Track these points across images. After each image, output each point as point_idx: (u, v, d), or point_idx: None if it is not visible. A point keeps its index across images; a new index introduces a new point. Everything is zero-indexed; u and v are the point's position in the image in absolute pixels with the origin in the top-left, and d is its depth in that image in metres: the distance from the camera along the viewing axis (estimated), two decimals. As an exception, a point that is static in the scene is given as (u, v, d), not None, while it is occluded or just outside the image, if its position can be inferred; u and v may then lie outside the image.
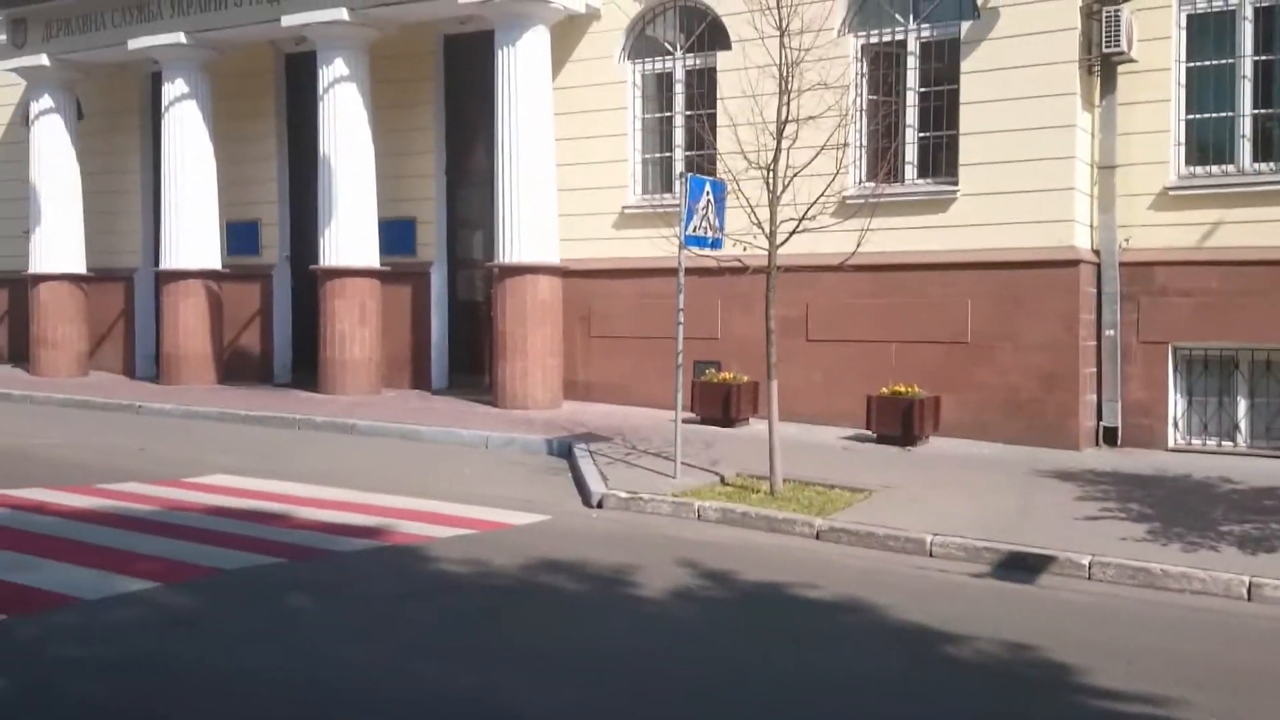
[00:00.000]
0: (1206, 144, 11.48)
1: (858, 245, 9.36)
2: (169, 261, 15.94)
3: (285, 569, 6.99)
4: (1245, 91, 11.19)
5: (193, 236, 15.80)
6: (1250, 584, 6.85)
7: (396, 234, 15.18)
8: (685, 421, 10.41)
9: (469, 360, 15.25)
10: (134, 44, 15.83)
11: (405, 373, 15.31)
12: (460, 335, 15.41)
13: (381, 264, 14.83)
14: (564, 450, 10.91)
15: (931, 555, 7.73)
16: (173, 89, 15.81)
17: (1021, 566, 7.40)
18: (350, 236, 14.52)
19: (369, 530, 8.00)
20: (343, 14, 14.15)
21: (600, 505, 9.04)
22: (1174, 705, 5.10)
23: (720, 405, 12.24)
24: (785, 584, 6.98)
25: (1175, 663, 5.70)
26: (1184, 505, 8.80)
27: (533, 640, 5.81)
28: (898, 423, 11.22)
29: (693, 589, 6.84)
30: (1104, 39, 11.24)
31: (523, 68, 13.43)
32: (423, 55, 15.34)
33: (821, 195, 9.07)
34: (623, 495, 9.04)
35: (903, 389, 11.37)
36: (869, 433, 11.52)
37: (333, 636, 5.79)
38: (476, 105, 14.72)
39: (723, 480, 9.58)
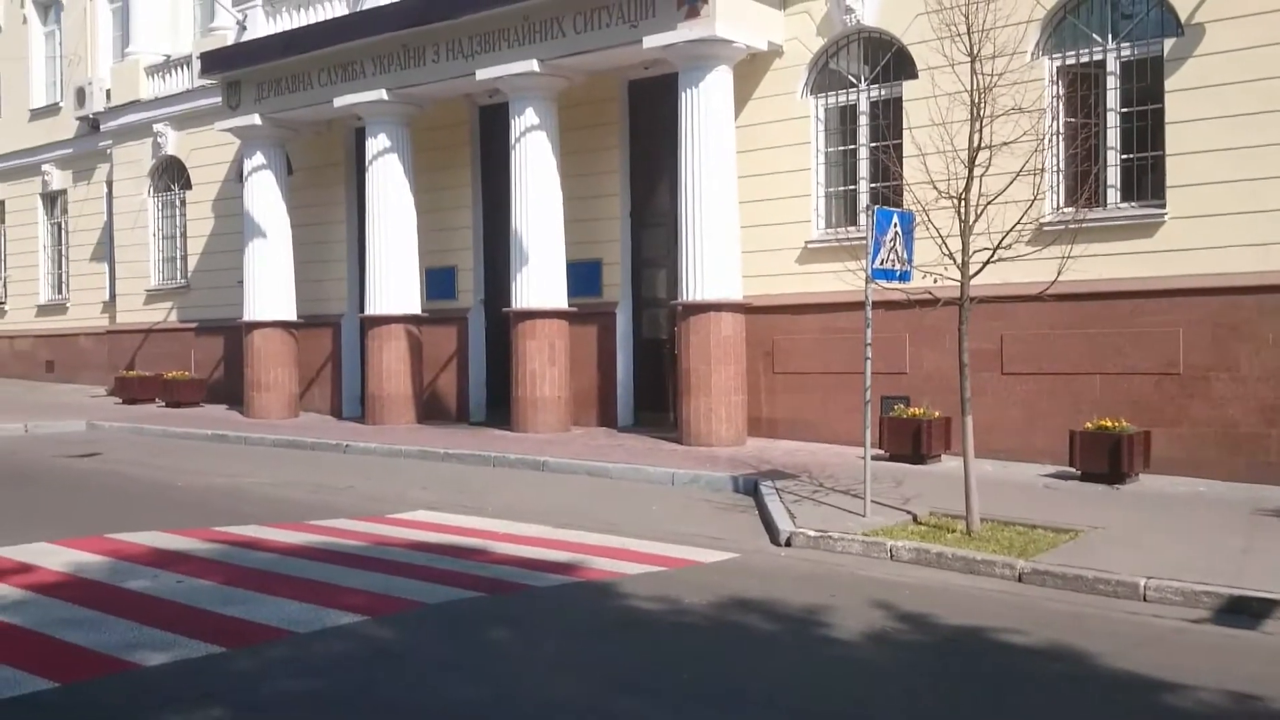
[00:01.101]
0: None
1: (1059, 273, 8.98)
2: (373, 307, 16.77)
3: (485, 603, 7.17)
4: None
5: (394, 283, 16.58)
6: None
7: (583, 275, 15.53)
8: (874, 458, 10.19)
9: (654, 398, 15.40)
10: (339, 101, 16.81)
11: (593, 410, 15.58)
12: (645, 373, 15.59)
13: (569, 305, 15.19)
14: (750, 487, 10.85)
15: (1145, 600, 7.28)
16: (375, 143, 16.70)
17: (1245, 611, 6.89)
18: (540, 279, 14.93)
19: (562, 566, 8.13)
20: (533, 65, 14.66)
21: (789, 543, 8.93)
22: None
23: (910, 441, 11.93)
24: (986, 629, 6.71)
25: None
26: None
27: (729, 682, 5.76)
28: (1104, 459, 10.66)
29: (889, 631, 6.66)
30: (1325, 47, 10.51)
31: (705, 108, 13.58)
32: (608, 101, 15.71)
33: (1018, 223, 8.76)
34: (811, 533, 8.91)
35: (1109, 423, 10.81)
36: (1072, 470, 10.99)
37: (532, 671, 5.89)
38: (660, 147, 14.95)
39: (915, 519, 9.32)
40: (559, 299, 15.11)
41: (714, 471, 11.57)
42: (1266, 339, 10.64)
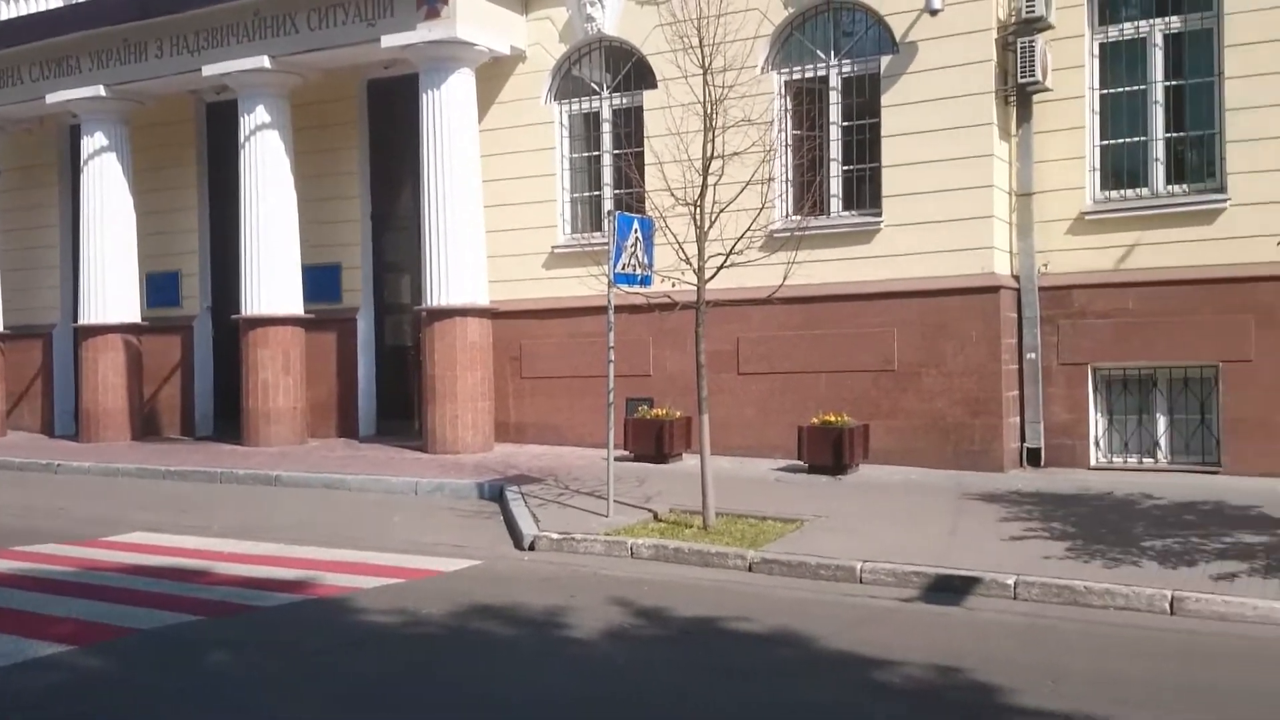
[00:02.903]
0: (1120, 169, 11.77)
1: (784, 278, 9.45)
2: (87, 316, 15.64)
3: (205, 626, 6.80)
4: (1157, 116, 11.50)
5: (111, 290, 15.53)
6: (1173, 598, 6.93)
7: (321, 280, 15.03)
8: (619, 459, 10.36)
9: (398, 406, 15.09)
10: (52, 98, 15.61)
11: (332, 421, 15.12)
12: (388, 381, 15.26)
13: (306, 311, 14.68)
14: (495, 493, 10.80)
15: (861, 582, 7.74)
16: (91, 141, 15.60)
17: (949, 589, 7.43)
18: (273, 284, 14.36)
19: (292, 584, 7.81)
20: (264, 61, 14.09)
21: (532, 547, 8.94)
22: (1101, 724, 5.13)
23: (653, 441, 12.21)
24: (718, 618, 6.93)
25: (1100, 680, 5.73)
26: (1106, 522, 8.91)
27: (465, 691, 5.69)
28: (828, 452, 11.28)
29: (626, 628, 6.76)
30: (1019, 69, 11.51)
31: (448, 110, 13.43)
32: (345, 100, 15.28)
33: (748, 230, 9.13)
34: (555, 536, 8.95)
35: (832, 418, 11.45)
36: (801, 463, 11.56)
37: (256, 694, 5.62)
38: (403, 148, 14.67)
39: (656, 516, 9.53)
40: (294, 305, 14.57)
41: (459, 479, 11.44)
42: (970, 336, 11.54)
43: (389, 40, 13.40)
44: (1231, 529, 8.50)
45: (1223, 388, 10.89)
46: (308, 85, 14.70)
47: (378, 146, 15.35)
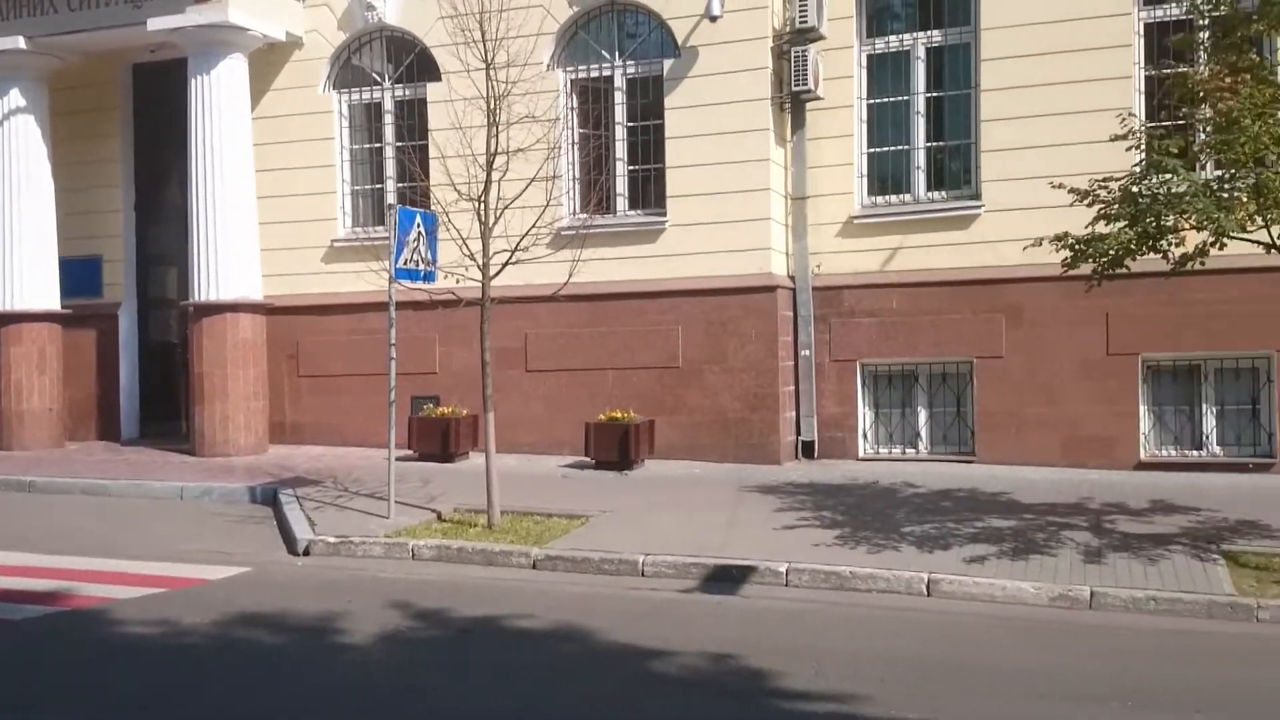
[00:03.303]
0: (886, 175, 12.38)
1: (570, 275, 9.49)
2: None
3: (-63, 646, 6.26)
4: (919, 126, 12.16)
5: None
6: (929, 580, 7.36)
7: (80, 274, 14.09)
8: (402, 459, 10.16)
9: (164, 407, 14.32)
10: None
11: (91, 423, 14.22)
12: (153, 380, 14.46)
13: (63, 306, 13.74)
14: (268, 497, 10.38)
15: (644, 575, 7.87)
16: None
17: (727, 579, 7.65)
18: (26, 278, 13.45)
19: (45, 596, 7.29)
20: (19, 42, 13.19)
21: (307, 552, 8.65)
22: (857, 701, 5.37)
23: (439, 440, 12.03)
24: (500, 616, 6.89)
25: (860, 660, 6.01)
26: (871, 510, 9.38)
27: (229, 702, 5.43)
28: (615, 448, 11.41)
29: (403, 631, 6.64)
30: (794, 78, 11.93)
31: (218, 97, 12.82)
32: (109, 84, 14.38)
33: (533, 227, 9.12)
34: (331, 540, 8.69)
35: (619, 415, 11.58)
36: (588, 460, 11.64)
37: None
38: (169, 136, 13.88)
39: (439, 517, 9.39)
40: (49, 300, 13.63)
41: (229, 483, 10.94)
42: (750, 334, 11.90)
43: (156, 23, 12.69)
44: (983, 514, 9.10)
45: (977, 382, 11.64)
46: (68, 68, 13.78)
47: (143, 133, 14.51)
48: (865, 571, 7.51)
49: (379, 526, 9.00)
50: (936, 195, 12.11)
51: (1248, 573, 7.34)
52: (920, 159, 12.16)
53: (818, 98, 12.17)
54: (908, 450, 12.02)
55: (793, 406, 12.16)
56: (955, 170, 12.16)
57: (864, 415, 12.19)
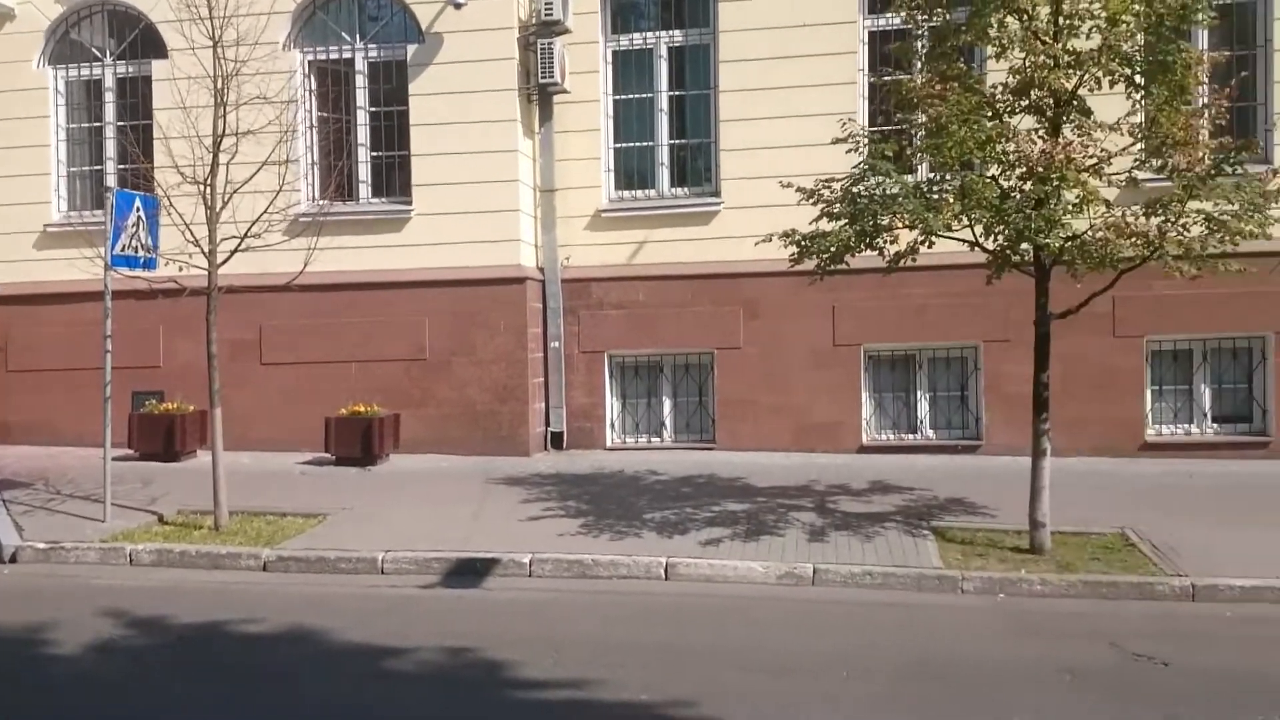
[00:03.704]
0: (633, 170, 12.60)
1: (305, 264, 9.17)
2: None
3: None
4: (663, 123, 12.44)
5: None
6: (667, 564, 7.56)
7: None
8: (123, 459, 9.54)
9: None
10: None
11: None
12: None
13: None
14: (-30, 502, 9.51)
15: (384, 573, 7.69)
16: None
17: (470, 572, 7.59)
18: None
19: None
20: None
21: (13, 559, 7.99)
22: (593, 686, 5.46)
23: (163, 438, 11.34)
24: (224, 622, 6.57)
25: (599, 647, 6.10)
26: (615, 499, 9.54)
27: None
28: (358, 443, 11.10)
29: (116, 640, 6.22)
30: (540, 70, 11.95)
31: (-92, 64, 11.60)
32: None
33: (265, 212, 8.74)
34: (40, 546, 8.05)
35: (362, 409, 11.28)
36: (329, 456, 11.27)
37: None
38: None
39: (161, 519, 8.86)
40: None
41: (-78, 488, 9.95)
42: (499, 326, 11.85)
43: None
44: (720, 499, 9.43)
45: (717, 372, 12.05)
46: None
47: None
48: (607, 559, 7.63)
49: (94, 531, 8.40)
50: (680, 191, 12.43)
51: (954, 547, 7.93)
52: (664, 155, 12.44)
53: (565, 91, 12.24)
54: (653, 439, 12.30)
55: (542, 398, 12.20)
56: (698, 167, 12.52)
57: (611, 405, 12.38)
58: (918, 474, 10.42)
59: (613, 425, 12.37)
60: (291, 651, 6.14)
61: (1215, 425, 11.25)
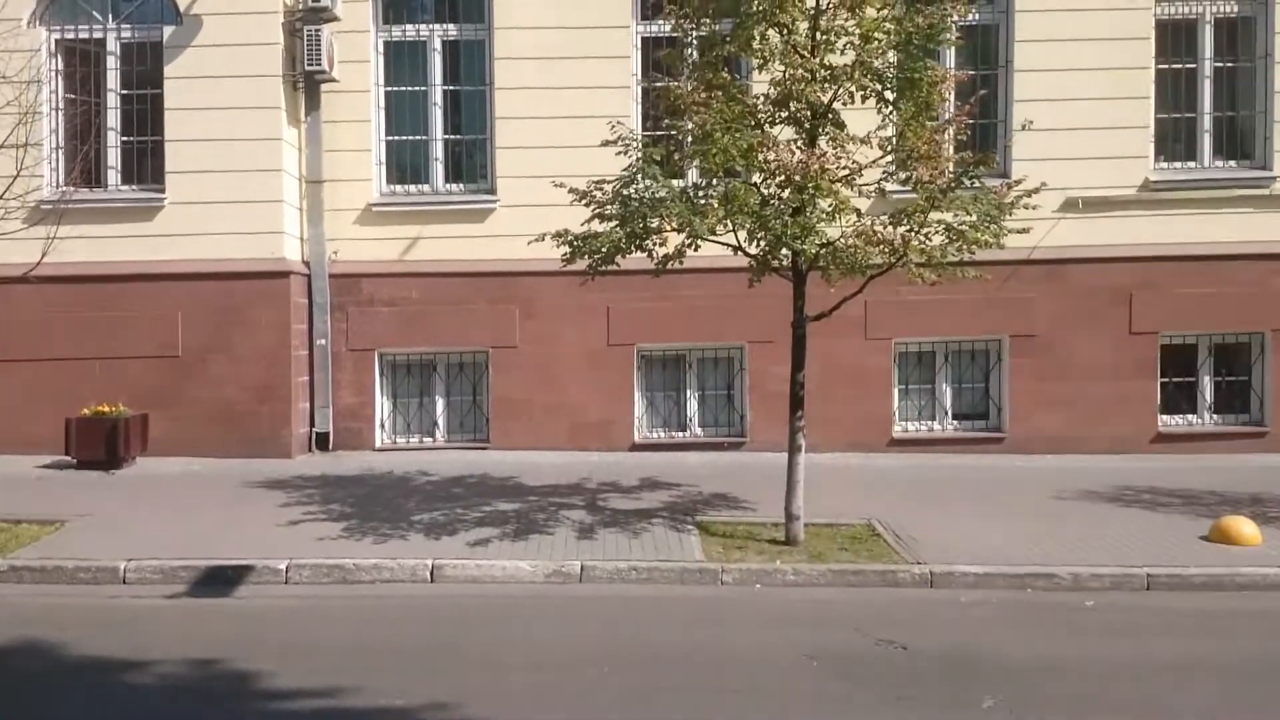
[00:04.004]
0: (405, 164, 12.34)
1: (44, 254, 8.56)
2: None
3: None
4: (437, 118, 12.21)
5: None
6: (433, 566, 7.44)
7: None
8: None
9: None
10: None
11: None
12: None
13: None
14: None
15: (126, 582, 7.24)
16: None
17: (221, 580, 7.24)
18: None
19: None
20: None
21: None
22: (348, 694, 5.31)
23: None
24: (-59, 639, 6.03)
25: (357, 652, 5.94)
26: (382, 500, 9.33)
27: None
28: (101, 446, 10.41)
29: None
30: (306, 57, 11.53)
31: None
32: None
33: (0, 198, 8.10)
34: None
35: (106, 409, 10.59)
36: (69, 459, 10.52)
37: None
38: None
39: None
40: None
41: None
42: (260, 322, 11.37)
43: None
44: (491, 499, 9.37)
45: (492, 371, 11.96)
46: None
47: None
48: (369, 563, 7.44)
49: None
50: (455, 188, 12.28)
51: (716, 540, 8.16)
52: (439, 150, 12.25)
53: (333, 80, 11.87)
54: (425, 439, 12.09)
55: (307, 397, 11.79)
56: (473, 164, 12.39)
57: (381, 405, 12.10)
58: (686, 471, 10.68)
59: (383, 425, 12.09)
60: (21, 667, 5.70)
61: (956, 422, 12.04)
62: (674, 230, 8.23)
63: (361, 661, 5.76)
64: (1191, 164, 11.79)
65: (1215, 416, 11.88)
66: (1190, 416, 11.87)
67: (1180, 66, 11.76)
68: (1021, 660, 5.93)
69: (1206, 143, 11.77)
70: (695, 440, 12.02)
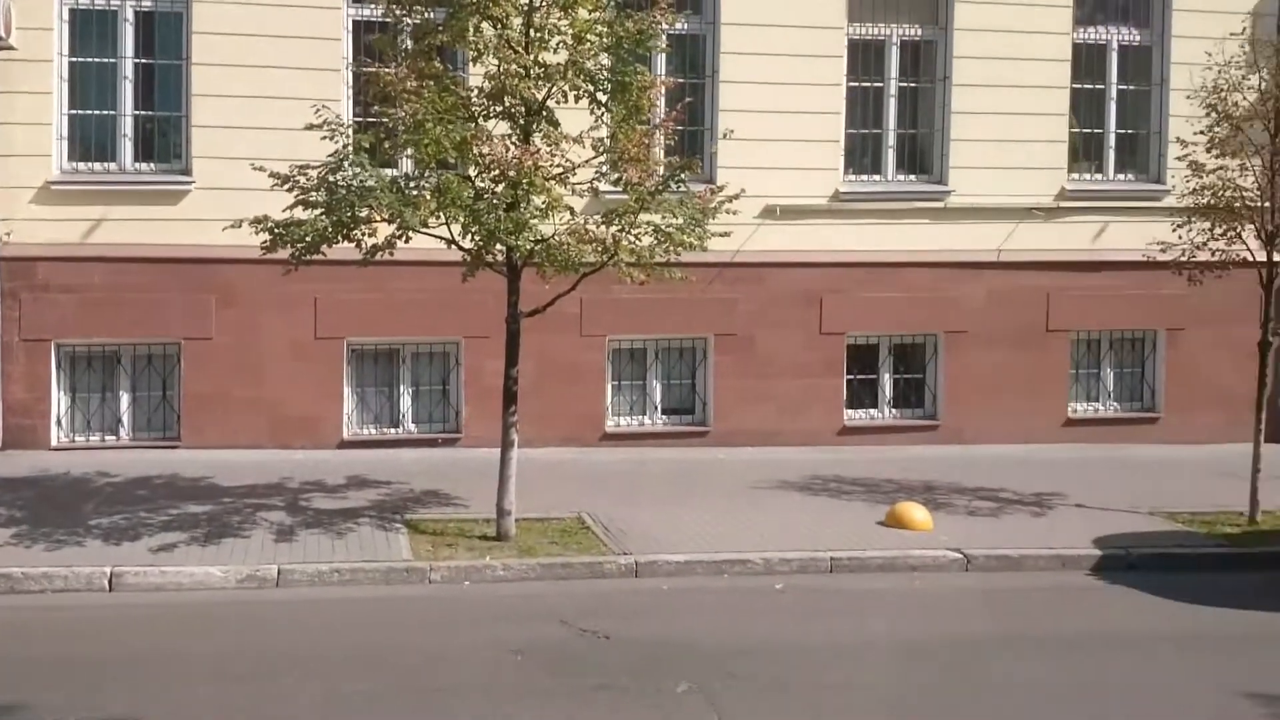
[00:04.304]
0: (90, 140, 11.37)
1: None
2: None
3: None
4: (128, 92, 11.34)
5: None
6: (112, 574, 6.93)
7: None
8: None
9: None
10: None
11: None
12: None
13: None
14: None
15: None
16: None
17: None
18: None
19: None
20: None
21: None
22: (10, 713, 4.85)
23: None
24: None
25: (23, 668, 5.45)
26: (57, 504, 8.58)
27: None
28: None
29: None
30: (-21, 20, 10.43)
31: None
32: None
33: None
34: None
35: None
36: None
37: None
38: None
39: None
40: None
41: None
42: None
43: None
44: (181, 501, 8.80)
45: (185, 364, 11.22)
46: None
47: None
48: (39, 571, 6.84)
49: None
50: (145, 167, 11.41)
51: (425, 538, 8.04)
52: (128, 126, 11.35)
53: (10, 47, 10.75)
54: (108, 437, 11.18)
55: (-30, 392, 10.68)
56: (166, 143, 11.55)
57: (59, 401, 11.09)
58: (398, 468, 10.46)
59: (59, 423, 11.09)
60: None
61: (665, 417, 12.41)
62: (384, 220, 8.06)
63: (28, 678, 5.29)
64: (877, 177, 12.67)
65: (894, 411, 12.83)
66: (873, 411, 12.78)
67: (869, 85, 12.64)
68: (715, 644, 6.20)
69: (891, 158, 12.68)
70: (409, 437, 11.78)
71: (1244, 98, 8.97)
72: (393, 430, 11.83)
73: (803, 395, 12.28)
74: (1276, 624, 6.78)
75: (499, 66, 8.00)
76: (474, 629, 6.45)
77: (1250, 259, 9.05)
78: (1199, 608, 7.11)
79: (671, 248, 8.19)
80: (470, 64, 8.43)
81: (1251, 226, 8.99)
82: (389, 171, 8.45)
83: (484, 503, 8.47)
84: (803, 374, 12.28)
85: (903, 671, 5.88)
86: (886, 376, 12.77)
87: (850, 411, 12.60)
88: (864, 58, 12.59)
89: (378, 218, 8.06)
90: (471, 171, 8.14)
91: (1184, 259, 9.25)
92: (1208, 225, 9.12)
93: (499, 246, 8.09)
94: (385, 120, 8.60)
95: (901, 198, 12.58)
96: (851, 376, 12.60)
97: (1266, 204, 8.85)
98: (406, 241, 8.15)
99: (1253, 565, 8.12)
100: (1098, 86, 12.77)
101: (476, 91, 8.22)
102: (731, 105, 11.87)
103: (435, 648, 6.06)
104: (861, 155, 12.69)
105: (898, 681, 5.72)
